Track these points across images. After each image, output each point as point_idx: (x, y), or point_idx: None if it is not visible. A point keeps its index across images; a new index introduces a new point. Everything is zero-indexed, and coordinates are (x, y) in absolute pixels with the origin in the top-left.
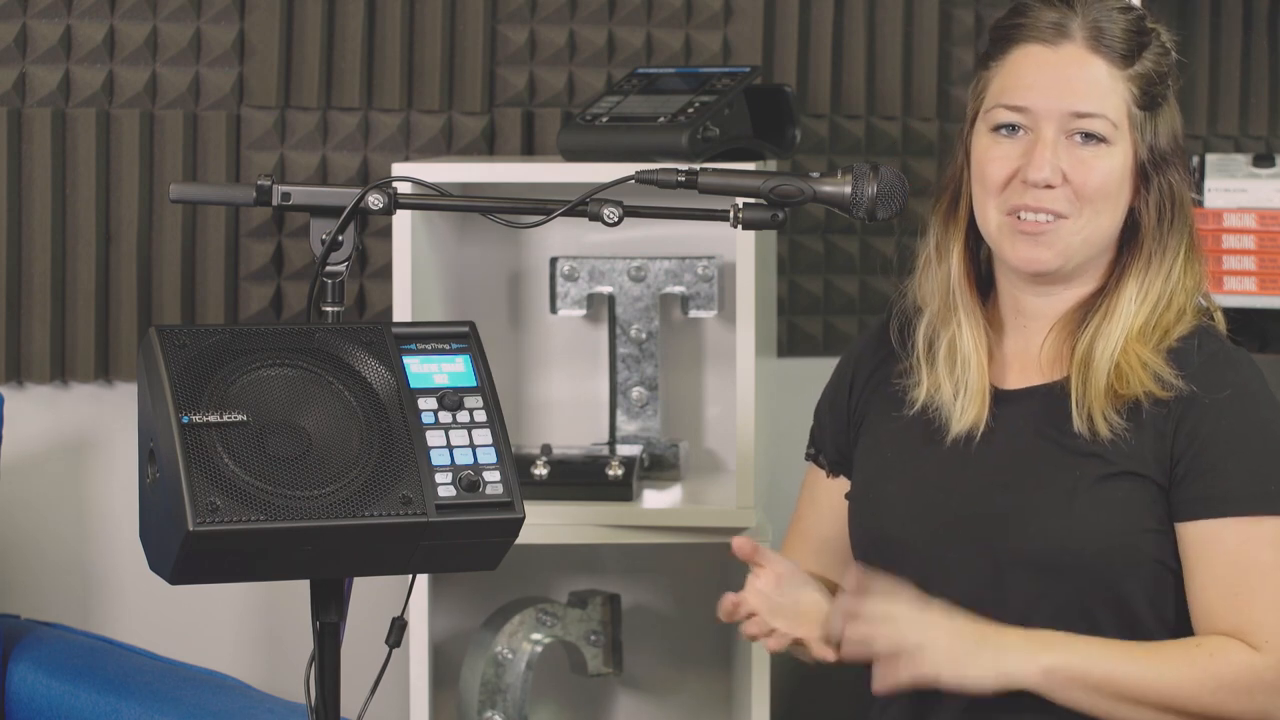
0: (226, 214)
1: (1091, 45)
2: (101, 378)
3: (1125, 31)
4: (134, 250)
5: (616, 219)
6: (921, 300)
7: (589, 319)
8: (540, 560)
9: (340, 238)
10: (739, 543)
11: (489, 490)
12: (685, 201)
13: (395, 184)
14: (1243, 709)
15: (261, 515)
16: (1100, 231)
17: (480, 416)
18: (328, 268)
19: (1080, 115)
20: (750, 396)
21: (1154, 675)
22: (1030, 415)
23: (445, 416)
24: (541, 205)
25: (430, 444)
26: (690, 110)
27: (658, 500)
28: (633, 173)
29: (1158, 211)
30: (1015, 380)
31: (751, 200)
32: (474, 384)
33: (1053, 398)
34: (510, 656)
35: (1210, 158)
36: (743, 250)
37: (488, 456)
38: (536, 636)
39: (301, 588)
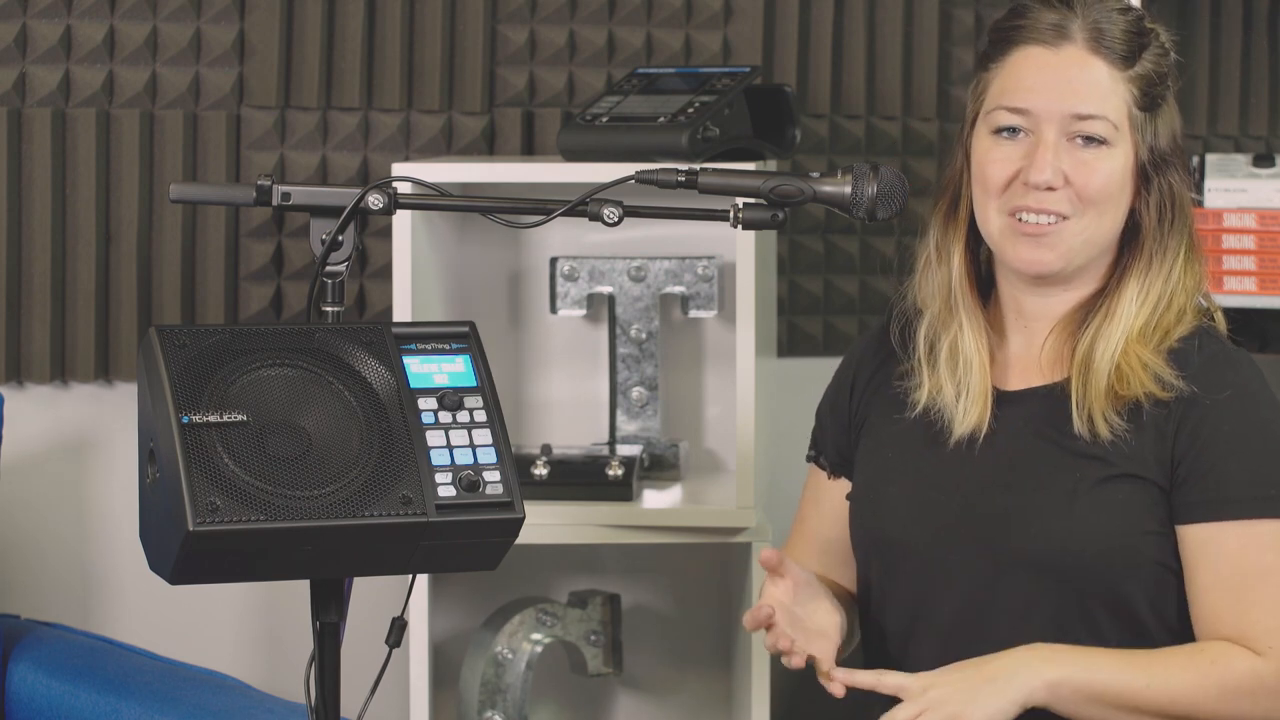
0: (226, 214)
1: (1092, 47)
2: (101, 378)
3: (1125, 33)
4: (134, 250)
5: (616, 219)
6: (922, 302)
7: (589, 319)
8: (540, 560)
9: (340, 238)
10: (766, 555)
11: (489, 490)
12: (685, 201)
13: (395, 184)
14: (1247, 714)
15: (261, 515)
16: (1101, 233)
17: (480, 416)
18: (328, 268)
19: (1081, 117)
20: (750, 396)
21: (1158, 683)
22: (1031, 416)
23: (445, 416)
24: (541, 205)
25: (430, 444)
26: (690, 110)
27: (658, 500)
28: (633, 173)
29: (1158, 212)
30: (1016, 381)
31: (751, 200)
32: (474, 384)
33: (1053, 399)
34: (510, 656)
35: (1210, 158)
36: (743, 250)
37: (488, 456)
38: (536, 636)
39: (301, 588)
